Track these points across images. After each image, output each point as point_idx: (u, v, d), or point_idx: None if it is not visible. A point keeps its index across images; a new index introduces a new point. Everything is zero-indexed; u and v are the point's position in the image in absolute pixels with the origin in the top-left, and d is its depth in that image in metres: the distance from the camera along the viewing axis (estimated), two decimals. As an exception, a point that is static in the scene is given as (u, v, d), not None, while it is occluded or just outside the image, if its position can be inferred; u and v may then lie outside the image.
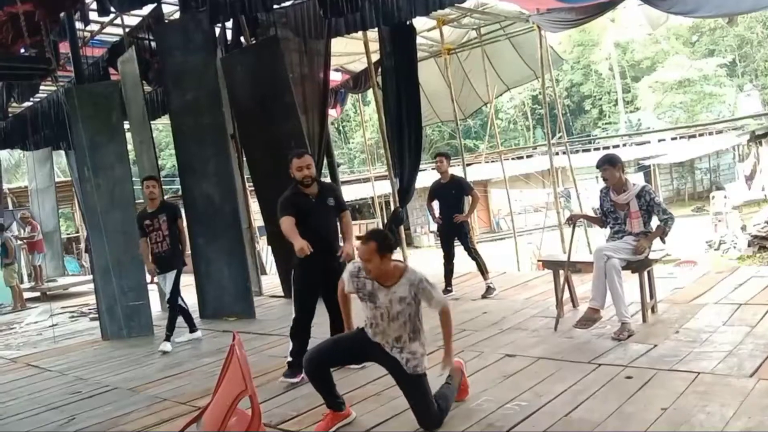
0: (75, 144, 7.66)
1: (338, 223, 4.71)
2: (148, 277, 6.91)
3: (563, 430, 3.14)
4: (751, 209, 18.81)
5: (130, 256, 7.36)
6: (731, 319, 4.72)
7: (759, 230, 14.66)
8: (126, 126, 8.59)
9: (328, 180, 8.53)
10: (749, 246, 14.70)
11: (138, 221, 6.55)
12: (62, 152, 13.92)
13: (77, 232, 20.03)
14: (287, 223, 4.34)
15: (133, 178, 8.04)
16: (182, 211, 6.63)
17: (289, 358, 4.55)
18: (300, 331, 4.54)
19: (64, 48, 8.47)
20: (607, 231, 5.17)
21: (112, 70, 9.17)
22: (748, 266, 10.53)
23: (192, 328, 6.63)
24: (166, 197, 6.62)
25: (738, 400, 3.22)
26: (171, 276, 6.37)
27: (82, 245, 16.88)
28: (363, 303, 3.49)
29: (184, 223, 6.77)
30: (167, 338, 6.32)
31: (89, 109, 7.55)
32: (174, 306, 6.40)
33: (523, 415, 3.35)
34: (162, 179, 7.50)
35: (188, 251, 6.97)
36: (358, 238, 3.75)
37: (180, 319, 6.48)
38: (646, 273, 4.96)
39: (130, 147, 8.68)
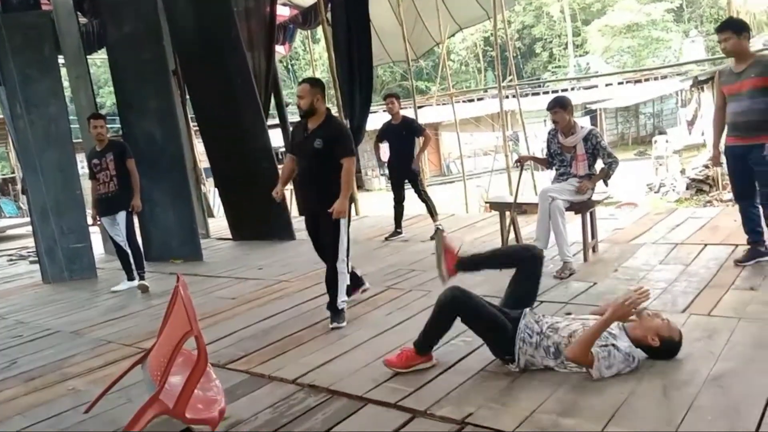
0: (4, 78, 7.23)
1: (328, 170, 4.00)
2: (90, 220, 6.69)
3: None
4: (690, 153, 19.41)
5: (70, 196, 7.11)
6: (667, 258, 4.92)
7: (697, 174, 15.19)
8: (61, 61, 8.12)
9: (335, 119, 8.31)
10: (687, 189, 15.24)
11: (87, 161, 6.22)
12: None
13: (13, 172, 19.20)
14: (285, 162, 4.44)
15: (70, 116, 7.67)
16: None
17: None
18: None
19: (-12, -26, 7.87)
20: (553, 173, 5.26)
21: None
22: (686, 208, 10.94)
23: (130, 276, 6.25)
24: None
25: (670, 333, 3.36)
26: (121, 217, 6.03)
27: (19, 186, 16.18)
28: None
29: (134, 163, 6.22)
30: (141, 277, 6.17)
31: (18, 41, 7.11)
32: (135, 245, 6.21)
33: (469, 349, 3.45)
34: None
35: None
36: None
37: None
38: (588, 214, 5.09)
39: (66, 84, 8.25)
